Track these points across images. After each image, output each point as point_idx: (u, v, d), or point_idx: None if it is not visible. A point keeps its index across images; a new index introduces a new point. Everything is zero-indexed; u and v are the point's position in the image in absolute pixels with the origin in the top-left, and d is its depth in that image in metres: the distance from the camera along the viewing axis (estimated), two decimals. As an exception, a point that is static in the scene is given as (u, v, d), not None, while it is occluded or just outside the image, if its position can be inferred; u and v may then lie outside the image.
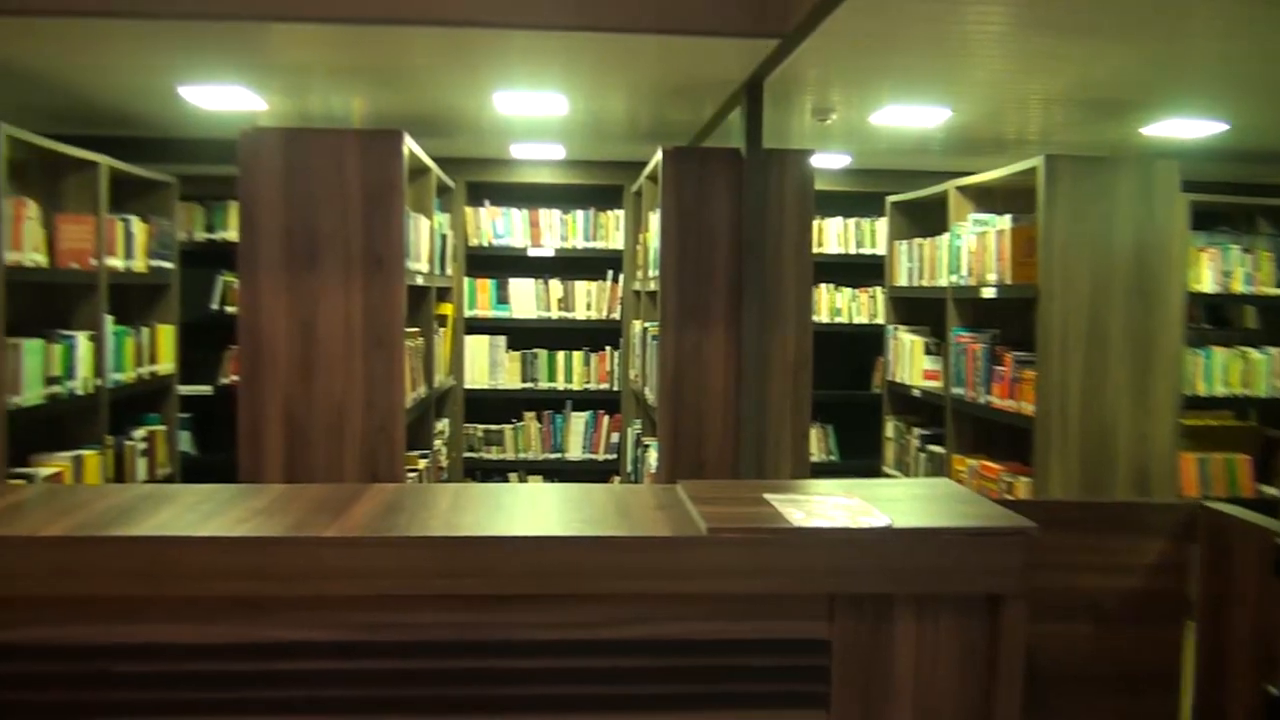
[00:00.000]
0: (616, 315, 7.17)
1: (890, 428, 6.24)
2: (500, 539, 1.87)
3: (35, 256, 4.32)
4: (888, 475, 6.13)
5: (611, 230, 7.20)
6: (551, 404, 7.29)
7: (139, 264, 5.24)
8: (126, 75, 4.58)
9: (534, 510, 2.12)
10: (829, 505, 2.12)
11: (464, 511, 2.04)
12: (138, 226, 5.22)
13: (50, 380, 4.34)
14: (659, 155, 4.57)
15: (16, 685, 1.84)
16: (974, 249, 4.94)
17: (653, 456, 4.82)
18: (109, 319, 4.87)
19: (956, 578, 1.94)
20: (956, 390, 5.14)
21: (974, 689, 1.97)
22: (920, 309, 5.98)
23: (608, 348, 7.23)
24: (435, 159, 4.94)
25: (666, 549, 1.91)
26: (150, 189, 5.60)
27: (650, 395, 4.86)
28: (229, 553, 1.80)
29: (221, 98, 4.86)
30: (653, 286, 5.01)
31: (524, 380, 7.21)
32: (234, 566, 1.81)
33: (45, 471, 4.40)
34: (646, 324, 5.38)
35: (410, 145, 4.16)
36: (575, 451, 7.22)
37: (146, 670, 1.84)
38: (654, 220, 5.09)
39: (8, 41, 3.99)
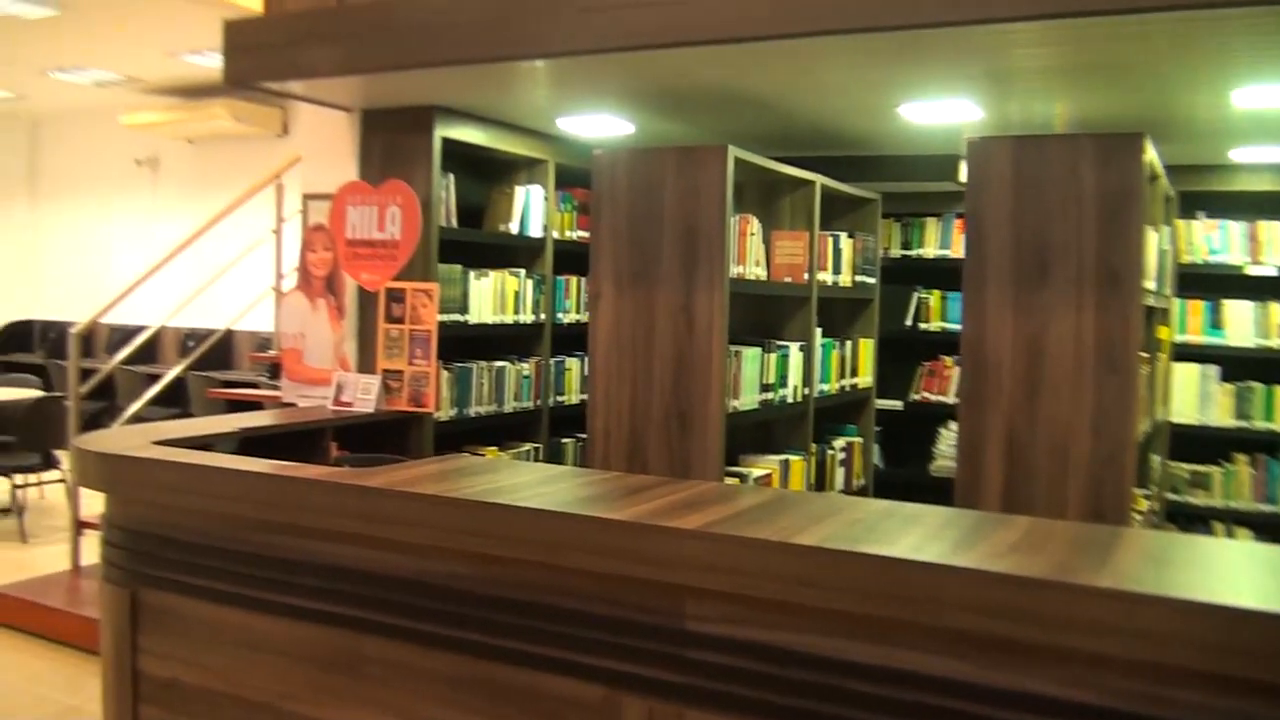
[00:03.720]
0: (1357, 347, 6.09)
1: None
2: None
3: (755, 270, 4.61)
4: None
5: (1352, 246, 6.14)
6: (1267, 446, 6.37)
7: (845, 279, 5.41)
8: (849, 95, 4.71)
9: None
10: None
11: (1244, 574, 1.72)
12: (845, 243, 5.39)
13: (764, 387, 4.60)
14: None
15: (746, 681, 1.87)
16: None
17: None
18: (817, 331, 5.08)
19: None
20: None
21: None
22: None
23: (1344, 384, 6.17)
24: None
25: None
26: (856, 206, 5.77)
27: None
28: (988, 587, 1.66)
29: (938, 111, 4.82)
30: None
31: (1237, 417, 6.38)
32: (992, 603, 1.66)
33: (756, 472, 4.67)
34: None
35: (1150, 151, 3.78)
36: (1296, 504, 6.25)
37: (883, 694, 1.77)
38: None
39: (738, 71, 4.27)
